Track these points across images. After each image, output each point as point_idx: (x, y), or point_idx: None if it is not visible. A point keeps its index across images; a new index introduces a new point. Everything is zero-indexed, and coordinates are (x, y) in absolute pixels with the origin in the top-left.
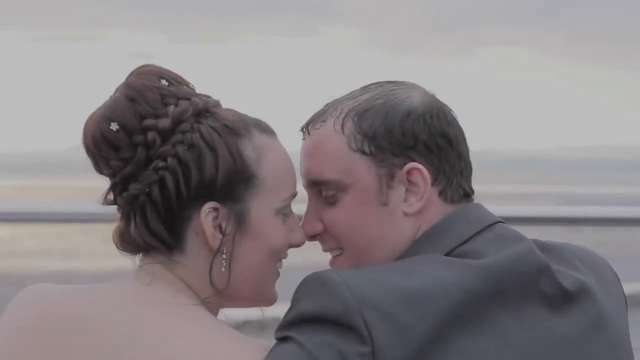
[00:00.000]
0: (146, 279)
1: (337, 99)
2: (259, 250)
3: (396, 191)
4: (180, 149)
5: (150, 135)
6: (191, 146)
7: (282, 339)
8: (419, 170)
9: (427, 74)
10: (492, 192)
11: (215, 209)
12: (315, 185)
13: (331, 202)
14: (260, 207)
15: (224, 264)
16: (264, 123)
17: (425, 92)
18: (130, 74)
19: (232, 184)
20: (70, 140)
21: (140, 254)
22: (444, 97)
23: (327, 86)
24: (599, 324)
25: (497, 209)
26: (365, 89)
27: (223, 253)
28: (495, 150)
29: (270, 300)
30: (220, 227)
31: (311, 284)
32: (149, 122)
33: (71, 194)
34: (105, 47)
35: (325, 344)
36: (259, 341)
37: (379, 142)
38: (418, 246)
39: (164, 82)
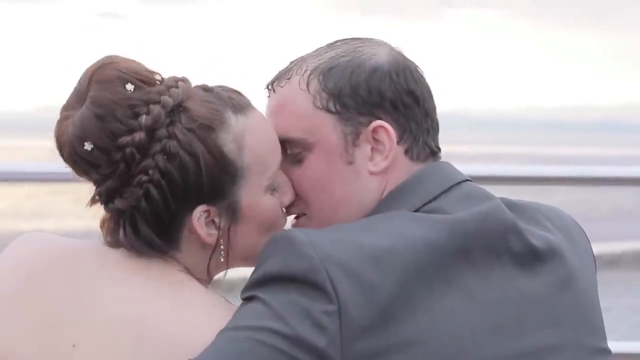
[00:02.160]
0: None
1: (303, 56)
2: (254, 231)
3: (362, 150)
4: (160, 160)
5: (128, 151)
6: (171, 155)
7: (247, 299)
8: (385, 128)
9: (397, 34)
10: (461, 153)
11: (206, 211)
12: (281, 144)
13: (297, 160)
14: (250, 193)
15: (222, 254)
16: (238, 98)
17: (392, 49)
18: (92, 81)
19: (218, 184)
20: (39, 100)
21: None
22: (413, 58)
23: (295, 47)
24: (568, 283)
25: (466, 168)
26: (331, 46)
27: (221, 245)
28: (465, 110)
29: None
30: (213, 222)
31: (277, 243)
32: (123, 140)
33: (41, 155)
34: (75, 5)
35: (291, 303)
36: (229, 302)
37: (345, 100)
38: (384, 205)
39: (129, 86)
